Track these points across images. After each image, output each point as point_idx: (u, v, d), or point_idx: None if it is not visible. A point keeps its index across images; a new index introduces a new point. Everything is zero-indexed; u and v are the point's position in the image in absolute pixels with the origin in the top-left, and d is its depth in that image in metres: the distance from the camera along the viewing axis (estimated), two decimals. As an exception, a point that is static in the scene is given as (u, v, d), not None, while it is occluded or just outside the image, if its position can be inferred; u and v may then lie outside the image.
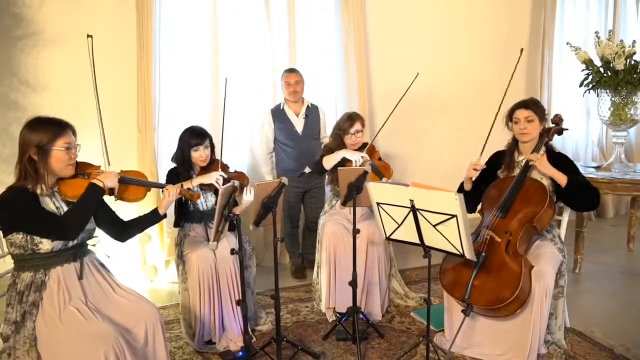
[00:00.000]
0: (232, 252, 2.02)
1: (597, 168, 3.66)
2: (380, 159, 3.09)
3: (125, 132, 3.51)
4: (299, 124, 3.49)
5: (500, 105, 2.59)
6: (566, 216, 2.65)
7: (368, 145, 3.00)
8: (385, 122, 3.06)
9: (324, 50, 4.01)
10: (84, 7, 3.36)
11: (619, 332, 2.64)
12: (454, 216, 1.88)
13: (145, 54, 3.41)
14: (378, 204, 2.15)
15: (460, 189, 2.59)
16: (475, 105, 4.46)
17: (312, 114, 3.53)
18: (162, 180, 2.78)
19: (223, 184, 2.49)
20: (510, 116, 2.53)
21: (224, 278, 2.52)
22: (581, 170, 3.54)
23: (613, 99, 3.46)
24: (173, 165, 2.74)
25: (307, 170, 3.47)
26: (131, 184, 2.06)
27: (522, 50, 2.86)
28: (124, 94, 3.49)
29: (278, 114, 3.51)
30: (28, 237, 1.76)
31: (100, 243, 2.09)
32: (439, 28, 4.35)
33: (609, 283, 3.39)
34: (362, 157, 2.87)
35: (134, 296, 1.95)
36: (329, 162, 2.97)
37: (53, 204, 1.85)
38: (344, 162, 2.93)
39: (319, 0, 3.95)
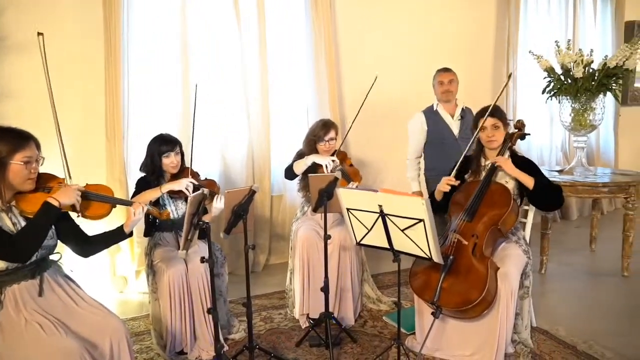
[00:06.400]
0: (202, 260, 2.01)
1: (560, 172, 3.80)
2: (351, 164, 3.13)
3: (93, 141, 3.44)
4: (454, 126, 3.36)
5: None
6: (531, 218, 2.74)
7: (339, 151, 3.03)
8: (351, 126, 3.10)
9: (294, 56, 4.04)
10: (49, 13, 3.29)
11: (583, 329, 2.74)
12: (421, 221, 1.93)
13: (114, 60, 3.36)
14: (348, 209, 2.18)
15: (431, 197, 2.64)
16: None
17: (467, 115, 3.40)
18: (132, 189, 2.74)
19: (193, 192, 2.48)
20: (475, 124, 2.61)
21: (195, 287, 2.50)
22: (546, 174, 3.69)
23: (573, 105, 3.61)
24: (142, 174, 2.71)
25: None
26: (95, 200, 1.95)
27: (509, 75, 2.80)
28: (91, 102, 3.43)
29: (431, 116, 3.41)
30: None
31: (64, 258, 2.02)
32: (408, 34, 4.42)
33: (574, 283, 3.51)
34: (332, 161, 2.90)
35: (99, 310, 1.89)
36: (299, 167, 2.99)
37: (9, 220, 1.78)
38: (315, 167, 2.96)
39: (289, 6, 3.98)
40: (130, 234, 2.07)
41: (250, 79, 3.83)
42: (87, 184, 2.01)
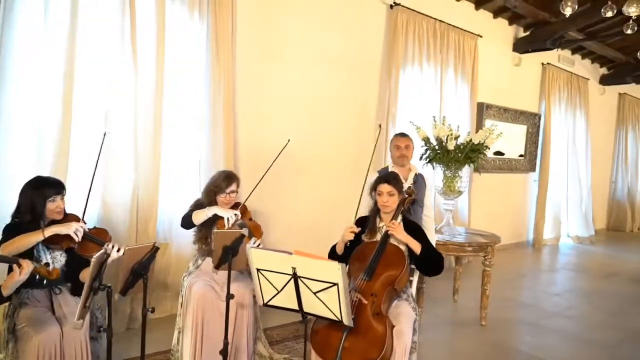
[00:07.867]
0: (100, 330, 1.77)
1: (432, 231, 4.23)
2: (251, 219, 3.09)
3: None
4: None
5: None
6: (416, 276, 2.99)
7: (241, 205, 2.99)
8: (257, 184, 3.12)
9: (192, 106, 3.92)
10: None
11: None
12: (335, 284, 1.98)
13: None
14: (258, 270, 2.14)
15: (332, 252, 2.73)
16: (333, 170, 4.85)
17: (419, 180, 3.51)
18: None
19: (83, 239, 2.22)
20: (374, 188, 2.82)
21: (70, 356, 2.15)
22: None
23: (445, 172, 4.11)
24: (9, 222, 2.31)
25: None
26: None
27: (380, 125, 3.25)
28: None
29: None
30: None
31: None
32: (303, 96, 4.64)
33: (442, 333, 3.87)
34: (234, 214, 2.84)
35: None
36: (198, 217, 2.87)
37: None
38: (216, 219, 2.86)
39: (190, 53, 3.88)
40: (9, 298, 1.73)
41: (142, 127, 3.58)
42: None
